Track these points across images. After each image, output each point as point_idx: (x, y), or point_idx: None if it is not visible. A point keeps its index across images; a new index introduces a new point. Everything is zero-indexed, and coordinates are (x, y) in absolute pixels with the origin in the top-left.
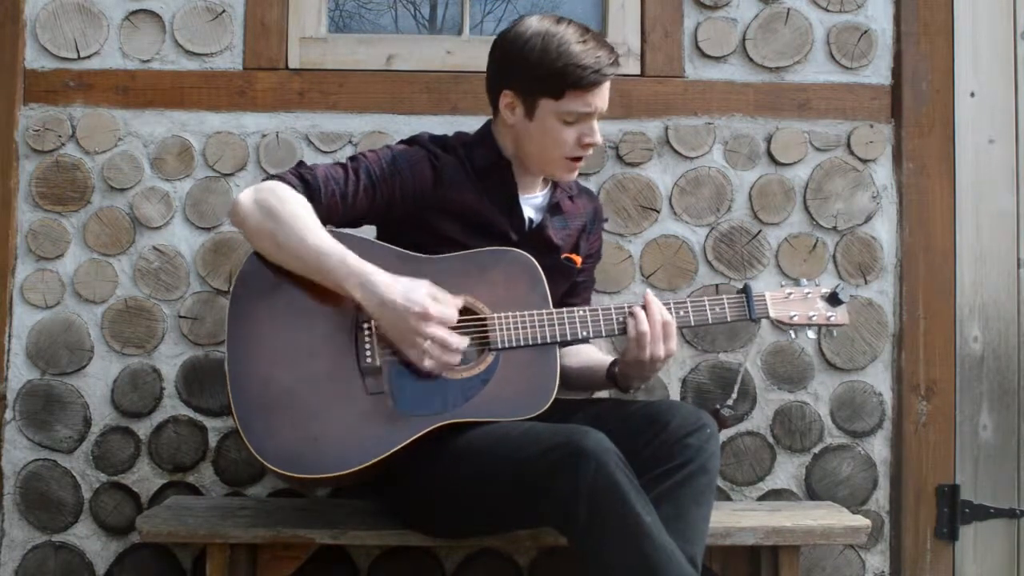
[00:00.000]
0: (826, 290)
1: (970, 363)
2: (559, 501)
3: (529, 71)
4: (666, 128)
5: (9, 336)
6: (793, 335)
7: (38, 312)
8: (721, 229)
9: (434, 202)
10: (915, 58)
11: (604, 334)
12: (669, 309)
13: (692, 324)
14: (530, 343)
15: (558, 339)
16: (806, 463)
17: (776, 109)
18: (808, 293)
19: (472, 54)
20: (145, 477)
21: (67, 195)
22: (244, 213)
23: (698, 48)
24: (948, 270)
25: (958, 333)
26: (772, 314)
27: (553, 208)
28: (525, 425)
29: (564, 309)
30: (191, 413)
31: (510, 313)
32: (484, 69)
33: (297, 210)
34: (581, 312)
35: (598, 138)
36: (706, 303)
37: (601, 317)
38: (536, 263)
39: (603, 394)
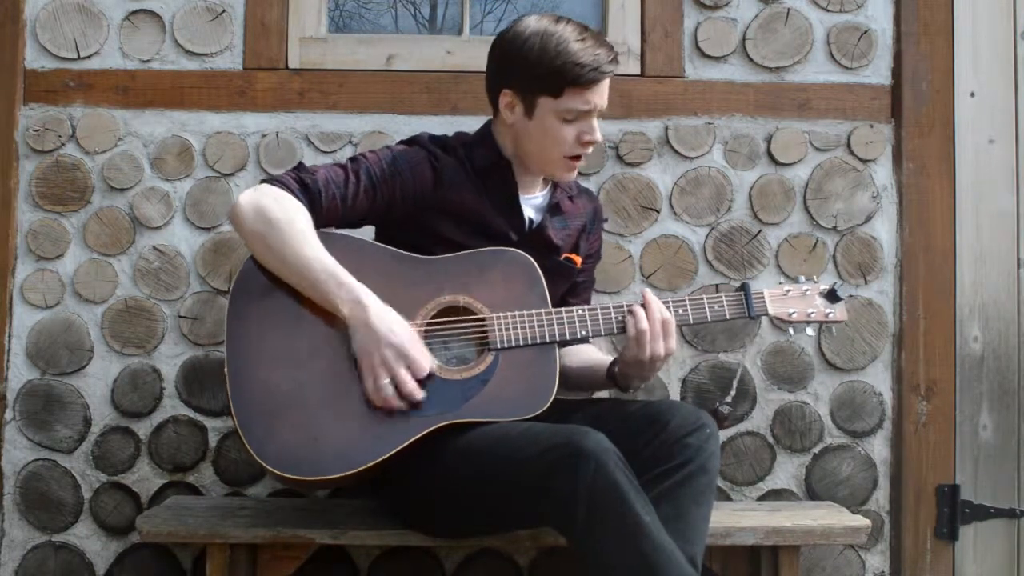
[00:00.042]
0: (824, 287)
1: (970, 363)
2: (558, 501)
3: (528, 70)
4: (666, 128)
5: (9, 336)
6: (792, 332)
7: (38, 312)
8: (721, 229)
9: (434, 203)
10: (915, 58)
11: (603, 333)
12: (668, 307)
13: (691, 322)
14: (529, 343)
15: (557, 338)
16: (806, 463)
17: (776, 109)
18: (806, 290)
19: (472, 54)
20: (145, 477)
21: (67, 195)
22: (242, 217)
23: (698, 48)
24: (948, 270)
25: (958, 333)
26: (771, 311)
27: (553, 208)
28: (524, 425)
29: (563, 308)
30: (191, 413)
31: (509, 313)
32: (484, 69)
33: (295, 220)
34: (580, 311)
35: (598, 136)
36: (705, 301)
37: (600, 316)
38: (534, 263)
39: (603, 394)
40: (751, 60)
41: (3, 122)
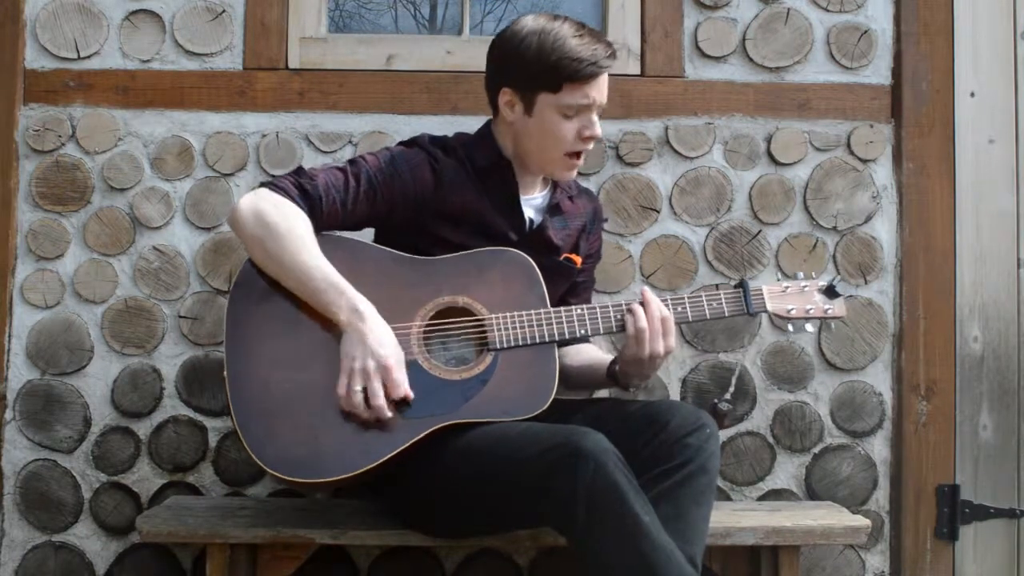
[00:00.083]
0: (823, 283)
1: (970, 363)
2: (558, 501)
3: (526, 67)
4: (666, 128)
5: (9, 336)
6: (791, 329)
7: (38, 312)
8: (721, 229)
9: (434, 205)
10: (915, 58)
11: (602, 332)
12: (667, 305)
13: (690, 319)
14: (528, 343)
15: (556, 338)
16: (806, 463)
17: (776, 109)
18: (805, 287)
19: (472, 54)
20: (145, 477)
21: (67, 195)
22: (241, 221)
23: (698, 48)
24: (948, 270)
25: (958, 333)
26: (769, 308)
27: (553, 208)
28: (524, 425)
29: (562, 308)
30: (191, 413)
31: (508, 313)
32: (484, 69)
33: (294, 227)
34: (579, 310)
35: (598, 130)
36: (704, 299)
37: (599, 315)
38: (533, 263)
39: (603, 394)
40: (751, 60)
41: (3, 122)
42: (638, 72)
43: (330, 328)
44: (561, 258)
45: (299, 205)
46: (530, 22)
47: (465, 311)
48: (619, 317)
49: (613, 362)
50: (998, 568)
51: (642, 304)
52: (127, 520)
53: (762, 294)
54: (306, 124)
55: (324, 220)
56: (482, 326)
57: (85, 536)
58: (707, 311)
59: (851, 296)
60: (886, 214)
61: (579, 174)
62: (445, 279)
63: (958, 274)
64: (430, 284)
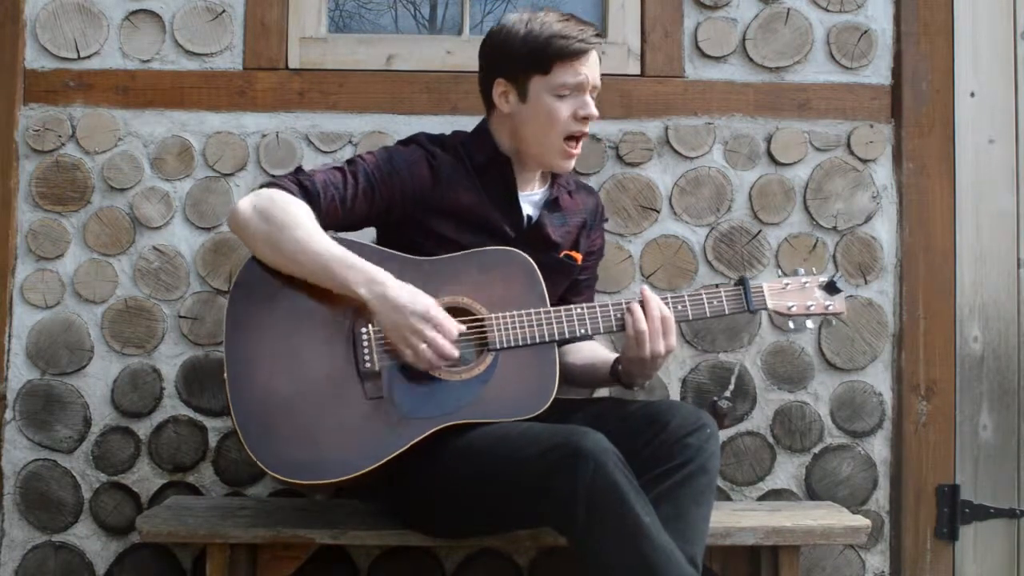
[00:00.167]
0: (823, 279)
1: (970, 363)
2: (558, 501)
3: (516, 53)
4: (666, 128)
5: (9, 336)
6: (792, 326)
7: (38, 312)
8: (721, 229)
9: (433, 202)
10: (915, 58)
11: (602, 331)
12: (667, 304)
13: (690, 318)
14: (528, 342)
15: (556, 337)
16: (806, 463)
17: (776, 109)
18: (805, 283)
19: (472, 54)
20: (145, 477)
21: (67, 195)
22: (243, 219)
23: (698, 48)
24: (948, 270)
25: (958, 333)
26: (770, 305)
27: (551, 204)
28: (524, 425)
29: (562, 307)
30: (191, 413)
31: (507, 313)
32: None
33: (297, 215)
34: (579, 310)
35: (593, 110)
36: (703, 297)
37: (599, 314)
38: (533, 263)
39: (603, 393)
40: (751, 60)
41: (3, 122)
42: (638, 72)
43: (331, 328)
44: (560, 255)
45: (299, 198)
46: (515, 15)
47: (465, 311)
48: (619, 316)
49: (616, 361)
50: (998, 568)
51: (641, 304)
52: (127, 520)
53: (762, 291)
54: (306, 124)
55: (324, 218)
56: (482, 326)
57: (85, 536)
58: (707, 309)
59: (851, 296)
60: (886, 214)
61: (579, 174)
62: (445, 279)
63: (958, 274)
64: (430, 284)
